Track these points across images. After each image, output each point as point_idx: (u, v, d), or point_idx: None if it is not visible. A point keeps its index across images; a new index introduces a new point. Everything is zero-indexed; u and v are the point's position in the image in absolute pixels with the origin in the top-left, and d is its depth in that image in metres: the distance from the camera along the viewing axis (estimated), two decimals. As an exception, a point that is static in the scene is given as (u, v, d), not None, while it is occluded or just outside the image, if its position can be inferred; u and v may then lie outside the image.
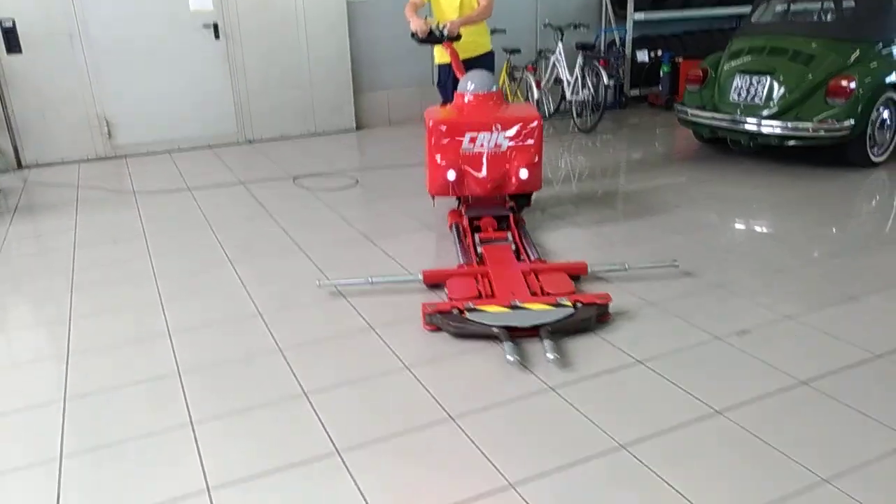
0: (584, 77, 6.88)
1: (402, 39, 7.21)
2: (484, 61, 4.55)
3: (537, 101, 6.64)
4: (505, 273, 3.21)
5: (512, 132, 3.70)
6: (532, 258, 3.44)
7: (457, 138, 3.70)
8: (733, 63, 5.50)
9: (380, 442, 2.19)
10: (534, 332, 2.72)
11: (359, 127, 7.45)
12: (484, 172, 3.73)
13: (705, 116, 5.53)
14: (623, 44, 8.11)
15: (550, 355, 2.54)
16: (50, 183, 5.74)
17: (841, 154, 5.18)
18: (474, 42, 4.45)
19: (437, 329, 2.85)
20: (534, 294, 3.03)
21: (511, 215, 3.83)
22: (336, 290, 3.30)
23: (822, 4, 5.82)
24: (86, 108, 6.39)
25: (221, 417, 2.37)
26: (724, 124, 5.39)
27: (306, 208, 4.75)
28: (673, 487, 1.93)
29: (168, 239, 4.22)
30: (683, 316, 2.95)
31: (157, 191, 5.33)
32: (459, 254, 3.53)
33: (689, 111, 5.66)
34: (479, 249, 3.53)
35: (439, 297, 3.14)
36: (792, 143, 5.11)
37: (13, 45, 6.10)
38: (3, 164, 6.19)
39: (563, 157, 6.13)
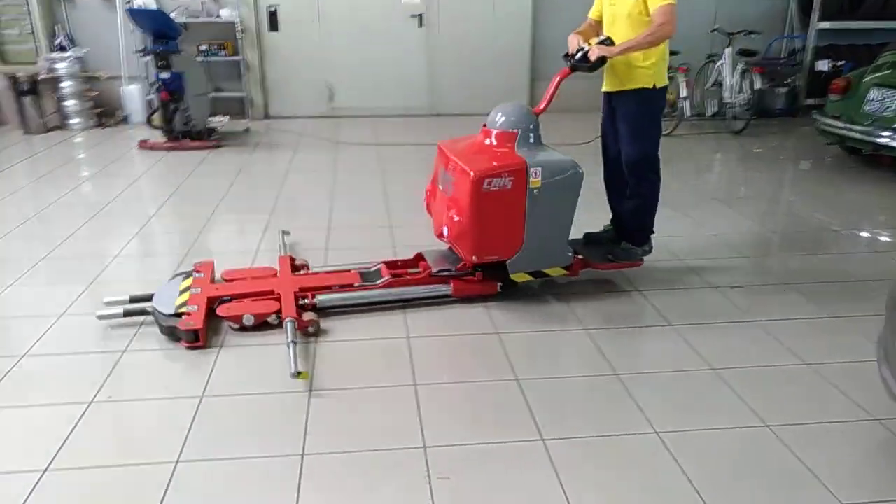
0: (741, 82, 7.29)
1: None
2: (634, 102, 3.31)
3: (684, 101, 7.19)
4: (269, 280, 3.33)
5: (454, 178, 3.22)
6: (315, 301, 3.19)
7: (439, 164, 3.46)
8: (873, 76, 5.71)
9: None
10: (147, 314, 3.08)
11: (531, 110, 8.52)
12: (437, 209, 3.49)
13: (839, 126, 5.80)
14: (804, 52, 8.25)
15: (100, 312, 3.06)
16: (283, 130, 7.59)
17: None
18: (631, 67, 3.25)
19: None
20: (220, 300, 3.13)
21: (426, 272, 3.39)
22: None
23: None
24: (316, 76, 8.20)
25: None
26: (855, 135, 5.65)
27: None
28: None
29: (348, 174, 5.73)
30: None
31: (353, 143, 6.91)
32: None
33: (826, 120, 5.95)
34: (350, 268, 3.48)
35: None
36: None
37: (274, 25, 8.05)
38: (257, 113, 8.22)
39: (706, 160, 6.71)
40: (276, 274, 3.42)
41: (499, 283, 3.35)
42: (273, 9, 7.97)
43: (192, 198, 5.16)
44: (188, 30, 7.58)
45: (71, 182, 5.53)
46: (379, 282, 3.33)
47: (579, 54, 3.27)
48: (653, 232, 3.60)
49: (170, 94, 6.40)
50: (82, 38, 7.66)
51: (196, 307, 3.01)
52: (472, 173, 3.03)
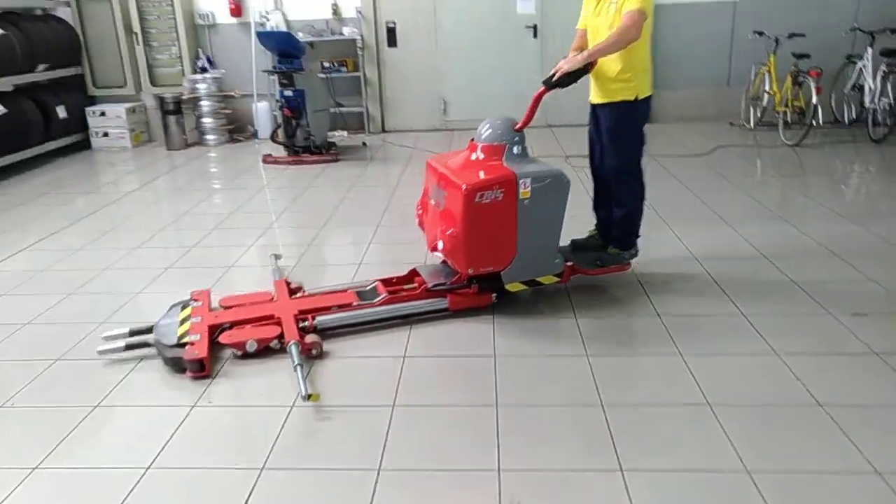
0: (884, 85, 6.67)
1: (703, 39, 7.86)
2: (618, 114, 3.38)
3: (815, 107, 6.67)
4: (268, 305, 3.32)
5: (446, 193, 3.27)
6: (318, 320, 3.23)
7: (429, 180, 3.52)
8: None
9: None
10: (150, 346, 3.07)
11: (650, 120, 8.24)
12: (429, 226, 3.52)
13: None
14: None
15: (101, 347, 3.01)
16: (397, 144, 7.83)
17: None
18: (613, 80, 3.33)
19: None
20: (221, 327, 3.13)
21: (422, 288, 3.41)
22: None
23: None
24: (431, 90, 8.40)
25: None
26: None
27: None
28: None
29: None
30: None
31: (464, 155, 7.01)
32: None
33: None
34: (345, 287, 3.53)
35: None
36: None
37: (392, 41, 8.34)
38: (375, 127, 8.53)
39: (840, 172, 6.21)
40: (272, 298, 3.42)
41: (493, 294, 3.39)
42: (392, 25, 8.25)
43: (304, 211, 5.46)
44: (313, 48, 8.04)
45: (202, 194, 6.03)
46: (377, 300, 3.35)
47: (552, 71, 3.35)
48: (639, 236, 3.67)
49: (292, 111, 6.80)
50: (221, 59, 8.31)
51: (198, 336, 3.00)
52: (463, 187, 3.09)
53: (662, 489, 2.17)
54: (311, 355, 3.01)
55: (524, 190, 3.16)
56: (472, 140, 3.40)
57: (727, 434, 2.41)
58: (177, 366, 2.93)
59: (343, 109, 8.24)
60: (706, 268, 3.88)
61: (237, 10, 8.09)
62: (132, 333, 3.16)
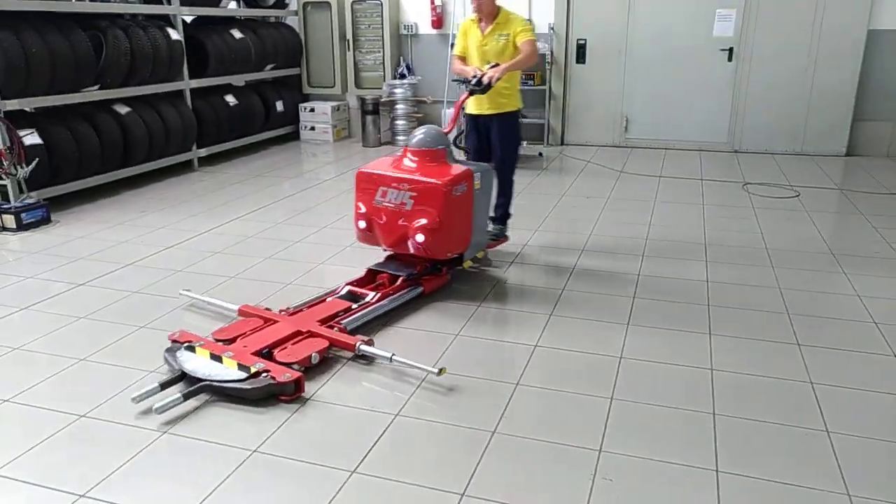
0: None
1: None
2: (507, 121, 4.32)
3: None
4: (280, 327, 3.20)
5: (415, 193, 3.60)
6: (352, 320, 3.35)
7: (373, 189, 3.72)
8: None
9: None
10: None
11: (849, 153, 7.67)
12: (387, 228, 3.72)
13: None
14: None
15: (158, 405, 2.63)
16: (573, 157, 8.01)
17: None
18: (502, 96, 4.23)
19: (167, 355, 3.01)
20: (260, 353, 2.97)
21: (402, 278, 3.72)
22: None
23: None
24: (614, 107, 8.47)
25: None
26: None
27: (733, 206, 5.79)
28: None
29: (616, 201, 5.90)
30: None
31: (637, 174, 7.03)
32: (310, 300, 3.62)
33: None
34: (329, 298, 3.61)
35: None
36: None
37: (580, 57, 8.53)
38: (554, 140, 8.78)
39: None
40: (266, 321, 3.30)
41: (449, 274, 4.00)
42: (582, 41, 8.45)
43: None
44: (504, 61, 8.47)
45: (386, 187, 6.67)
46: (372, 297, 3.59)
47: (474, 80, 4.03)
48: (510, 216, 4.60)
49: (475, 118, 7.25)
50: (418, 67, 9.02)
51: (263, 363, 2.86)
52: (441, 183, 3.55)
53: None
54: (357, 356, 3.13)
55: (477, 182, 3.76)
56: (406, 147, 3.85)
57: (837, 457, 2.36)
58: (267, 395, 2.77)
59: (525, 121, 8.56)
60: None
61: (438, 23, 8.75)
62: (164, 386, 2.81)
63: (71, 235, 5.06)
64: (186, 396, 2.73)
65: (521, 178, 6.80)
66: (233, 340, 3.12)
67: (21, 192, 5.34)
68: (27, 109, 5.69)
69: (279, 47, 8.61)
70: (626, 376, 3.01)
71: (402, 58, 9.05)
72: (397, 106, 8.71)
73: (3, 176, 5.25)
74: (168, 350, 3.06)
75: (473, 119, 4.40)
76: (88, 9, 6.08)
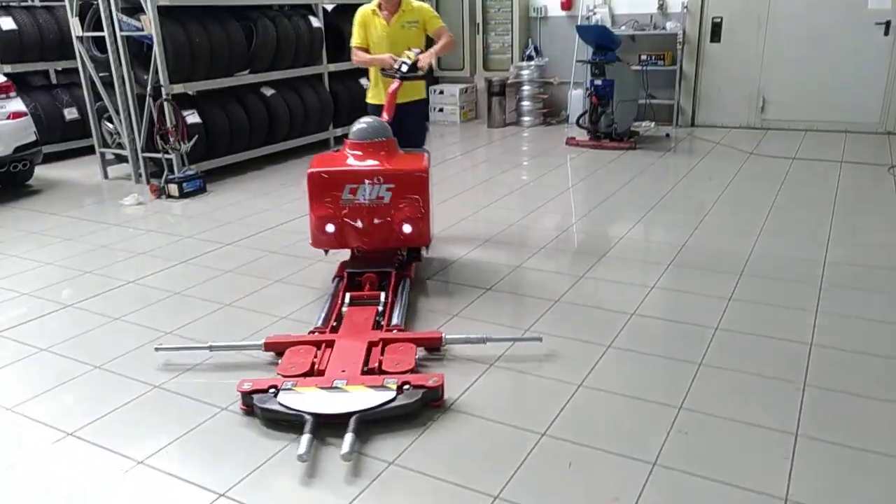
0: None
1: None
2: (420, 109, 4.43)
3: None
4: (348, 344, 2.93)
5: (394, 184, 3.45)
6: (394, 323, 3.15)
7: (337, 188, 3.46)
8: None
9: None
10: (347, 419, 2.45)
11: None
12: (365, 226, 3.51)
13: None
14: None
15: (344, 450, 2.29)
16: (703, 138, 7.77)
17: None
18: (414, 85, 4.22)
19: (250, 410, 2.61)
20: (369, 371, 2.74)
21: (393, 273, 3.59)
22: (170, 352, 3.14)
23: None
24: (750, 87, 8.09)
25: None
26: None
27: (871, 188, 5.48)
28: None
29: (741, 184, 5.73)
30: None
31: (768, 155, 6.73)
32: (321, 314, 3.27)
33: None
34: (345, 310, 3.28)
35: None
36: None
37: (716, 36, 8.22)
38: (684, 121, 8.54)
39: None
40: (319, 345, 2.97)
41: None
42: (718, 19, 8.13)
43: (585, 191, 5.94)
44: (634, 41, 8.35)
45: (507, 166, 6.88)
46: (388, 296, 3.40)
47: (405, 67, 3.96)
48: None
49: (599, 99, 7.25)
50: (546, 49, 9.09)
51: (394, 378, 2.66)
52: (417, 171, 3.53)
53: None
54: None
55: (429, 166, 3.71)
56: (351, 139, 3.63)
57: (947, 447, 2.29)
58: (423, 404, 2.60)
59: (654, 101, 8.40)
60: None
61: (568, 4, 8.75)
62: (313, 434, 2.43)
63: (222, 203, 5.71)
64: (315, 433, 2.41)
65: (645, 158, 6.81)
66: (311, 372, 2.76)
67: (183, 164, 6.09)
68: (189, 93, 6.43)
69: (412, 32, 8.99)
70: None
71: (529, 40, 9.15)
72: (524, 87, 8.84)
73: (170, 150, 6.00)
74: (261, 400, 2.58)
75: (379, 110, 4.14)
76: (243, 1, 6.73)
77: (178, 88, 6.08)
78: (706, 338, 3.12)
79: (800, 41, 7.72)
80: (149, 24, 5.79)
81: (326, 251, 3.80)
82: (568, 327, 3.28)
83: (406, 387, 2.59)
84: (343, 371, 2.73)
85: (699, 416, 2.54)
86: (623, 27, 8.30)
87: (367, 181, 3.45)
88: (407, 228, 3.48)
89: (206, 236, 4.86)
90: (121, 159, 6.68)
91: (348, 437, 2.34)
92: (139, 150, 6.38)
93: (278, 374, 2.75)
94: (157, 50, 5.82)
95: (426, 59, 4.04)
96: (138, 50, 6.17)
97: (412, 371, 2.74)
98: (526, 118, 8.89)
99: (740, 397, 2.66)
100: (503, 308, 3.62)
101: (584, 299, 3.63)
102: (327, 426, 2.47)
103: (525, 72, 8.81)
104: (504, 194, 5.73)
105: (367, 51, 4.25)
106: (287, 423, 2.51)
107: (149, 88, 6.02)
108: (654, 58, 8.40)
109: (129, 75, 6.18)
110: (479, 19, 9.19)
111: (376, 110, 4.19)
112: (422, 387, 2.59)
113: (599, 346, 3.08)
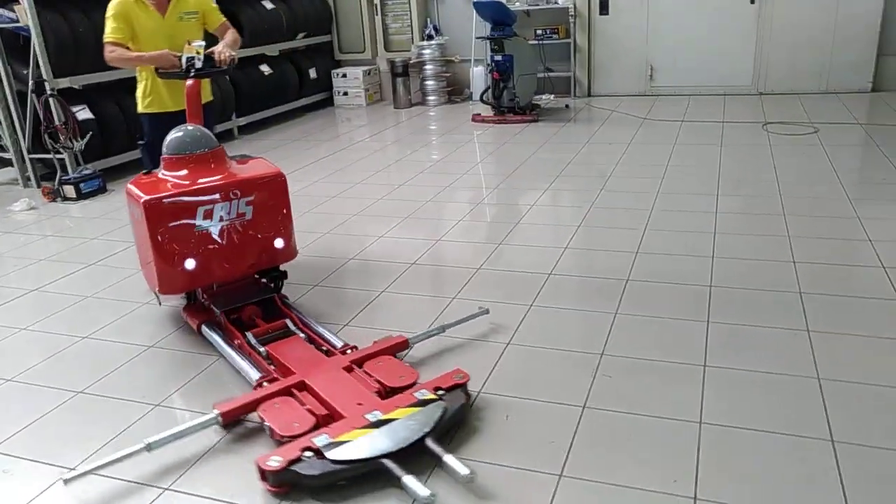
0: None
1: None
2: (210, 111, 3.68)
3: None
4: (328, 378, 2.55)
5: (254, 196, 2.98)
6: (338, 345, 2.80)
7: (188, 214, 2.86)
8: None
9: None
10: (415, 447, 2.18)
11: (875, 89, 7.62)
12: (228, 252, 2.98)
13: None
14: None
15: (464, 471, 2.06)
16: (599, 107, 8.12)
17: None
18: (205, 85, 3.62)
19: (289, 489, 2.12)
20: (383, 395, 2.47)
21: (276, 297, 3.15)
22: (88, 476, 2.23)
23: None
24: (639, 57, 8.52)
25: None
26: None
27: (751, 144, 5.91)
28: None
29: (639, 146, 6.08)
30: None
31: (659, 119, 7.14)
32: (244, 366, 2.73)
33: None
34: (262, 350, 2.79)
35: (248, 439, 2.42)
36: None
37: (604, 8, 8.57)
38: (581, 92, 8.88)
39: None
40: (294, 387, 2.53)
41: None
42: (609, -8, 8.49)
43: (496, 163, 6.12)
44: (529, 16, 8.58)
45: (416, 146, 6.95)
46: (297, 322, 3.02)
47: (198, 63, 3.29)
48: None
49: (500, 74, 7.43)
50: (446, 28, 9.18)
51: (424, 390, 2.43)
52: (276, 175, 3.07)
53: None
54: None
55: None
56: (170, 154, 3.03)
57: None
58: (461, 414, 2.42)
59: (552, 74, 8.68)
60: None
61: (462, -18, 8.88)
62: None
63: (125, 202, 5.48)
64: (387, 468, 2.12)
65: (547, 129, 7.07)
66: (327, 417, 2.37)
67: (78, 164, 5.79)
68: (76, 87, 6.09)
69: (310, 16, 8.88)
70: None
71: (428, 19, 9.22)
72: (426, 67, 8.92)
73: (61, 150, 5.70)
74: (310, 467, 2.11)
75: (172, 116, 3.54)
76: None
77: (64, 83, 5.77)
78: (619, 289, 3.35)
79: (680, 13, 8.18)
80: (25, 14, 5.45)
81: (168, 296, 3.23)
82: (491, 292, 3.43)
83: (439, 391, 2.41)
84: (360, 404, 2.37)
85: (619, 359, 2.75)
86: (517, 2, 8.49)
87: (221, 199, 2.91)
88: (279, 243, 3.09)
89: (112, 236, 4.68)
90: (4, 163, 6.28)
91: (450, 458, 2.11)
92: (25, 152, 6.02)
93: (283, 437, 2.26)
94: (35, 42, 5.50)
95: (226, 50, 3.40)
96: (15, 43, 5.81)
97: (418, 377, 2.57)
98: (431, 97, 8.98)
99: (653, 339, 2.90)
100: (429, 283, 3.73)
101: (504, 265, 3.79)
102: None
103: (426, 51, 8.88)
104: (417, 172, 5.82)
105: (128, 48, 3.53)
106: (346, 481, 2.13)
107: (30, 84, 5.69)
108: (549, 31, 8.66)
109: (6, 71, 5.81)
110: (376, 0, 9.17)
111: (160, 122, 3.50)
112: (455, 385, 2.45)
113: (522, 306, 3.24)
